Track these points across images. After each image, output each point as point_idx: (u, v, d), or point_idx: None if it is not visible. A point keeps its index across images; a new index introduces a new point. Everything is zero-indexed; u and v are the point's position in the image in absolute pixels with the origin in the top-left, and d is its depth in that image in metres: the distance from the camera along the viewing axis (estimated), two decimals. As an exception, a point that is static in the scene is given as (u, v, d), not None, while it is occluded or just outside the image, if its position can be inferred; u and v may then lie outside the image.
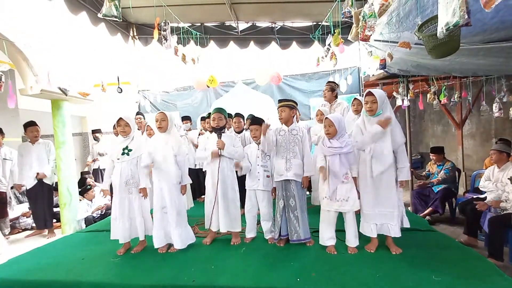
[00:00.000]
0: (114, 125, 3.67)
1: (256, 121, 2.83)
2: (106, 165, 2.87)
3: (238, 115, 3.91)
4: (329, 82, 3.97)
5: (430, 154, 4.65)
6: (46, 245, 3.06)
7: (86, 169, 6.44)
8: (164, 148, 2.63)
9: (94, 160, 6.31)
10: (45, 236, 4.43)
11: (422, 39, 2.12)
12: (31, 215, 4.64)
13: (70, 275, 2.25)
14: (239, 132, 3.81)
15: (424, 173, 4.77)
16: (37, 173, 4.31)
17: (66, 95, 4.24)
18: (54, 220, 4.87)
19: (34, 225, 4.68)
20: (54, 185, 4.62)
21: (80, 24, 4.43)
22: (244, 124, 3.98)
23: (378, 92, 2.36)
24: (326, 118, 2.44)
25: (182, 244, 2.62)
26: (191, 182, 2.83)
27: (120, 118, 2.66)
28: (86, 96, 4.65)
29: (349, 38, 3.15)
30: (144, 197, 2.65)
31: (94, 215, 4.60)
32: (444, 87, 5.45)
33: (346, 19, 2.78)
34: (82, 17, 4.07)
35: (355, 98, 3.31)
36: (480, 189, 3.75)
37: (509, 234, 2.83)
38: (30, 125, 4.35)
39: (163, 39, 4.02)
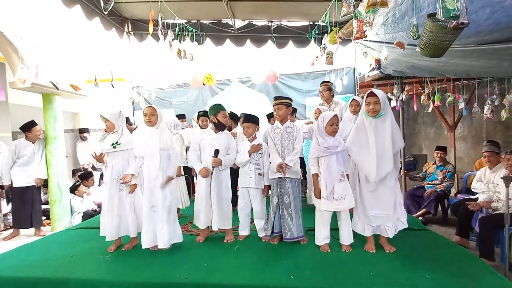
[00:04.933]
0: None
1: (249, 119, 2.81)
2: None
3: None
4: (324, 81, 3.94)
5: (436, 151, 4.59)
6: (34, 242, 2.99)
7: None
8: (151, 143, 2.57)
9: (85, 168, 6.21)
10: (29, 236, 4.28)
11: (426, 28, 2.10)
12: (12, 214, 4.41)
13: (58, 272, 2.19)
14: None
15: (420, 174, 4.78)
16: (36, 180, 4.28)
17: (58, 89, 4.16)
18: (44, 217, 4.79)
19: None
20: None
21: (74, 17, 4.35)
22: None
23: (380, 92, 2.29)
24: (335, 115, 2.42)
25: (168, 242, 2.53)
26: (174, 176, 2.68)
27: (100, 115, 2.62)
28: (78, 90, 4.57)
29: (341, 32, 3.12)
30: (129, 187, 2.58)
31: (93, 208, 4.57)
32: (438, 89, 5.51)
33: (348, 14, 2.75)
34: (76, 10, 4.00)
35: (353, 99, 3.30)
36: (472, 190, 3.78)
37: (500, 234, 2.86)
38: (34, 125, 4.27)
39: (159, 33, 3.96)
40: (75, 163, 6.74)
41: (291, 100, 2.74)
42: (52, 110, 4.39)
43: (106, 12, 2.76)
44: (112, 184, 2.59)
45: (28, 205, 4.25)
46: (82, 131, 6.38)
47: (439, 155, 4.52)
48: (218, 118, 2.76)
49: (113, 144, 2.59)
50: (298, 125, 2.74)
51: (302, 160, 3.66)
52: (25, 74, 3.73)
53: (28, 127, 4.25)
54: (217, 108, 2.81)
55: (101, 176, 5.82)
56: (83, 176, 4.76)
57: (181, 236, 2.66)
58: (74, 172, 5.79)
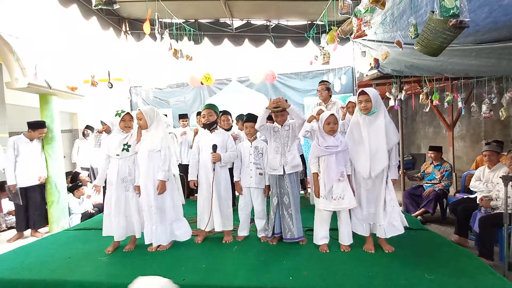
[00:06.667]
0: (102, 122, 3.62)
1: (251, 119, 2.79)
2: (100, 161, 2.77)
3: (225, 112, 3.87)
4: (323, 81, 3.94)
5: (429, 152, 4.63)
6: (31, 244, 2.96)
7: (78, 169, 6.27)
8: (142, 145, 2.56)
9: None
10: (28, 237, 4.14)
11: (428, 23, 2.08)
12: (15, 215, 4.29)
13: (55, 274, 2.18)
14: (227, 130, 3.77)
15: (419, 174, 4.78)
16: (40, 178, 4.20)
17: (51, 88, 4.12)
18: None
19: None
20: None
21: (71, 17, 4.32)
22: (232, 121, 3.98)
23: (371, 90, 2.35)
24: (332, 114, 2.42)
25: (166, 240, 2.54)
26: (164, 179, 2.55)
27: (127, 113, 2.62)
28: (74, 90, 4.54)
29: (340, 28, 3.12)
30: (139, 195, 2.59)
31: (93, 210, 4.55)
32: (436, 88, 5.51)
33: (345, 15, 2.75)
34: (73, 10, 3.97)
35: (349, 101, 3.30)
36: (471, 189, 3.79)
37: (499, 234, 2.86)
38: (42, 127, 4.19)
39: (156, 32, 3.94)
40: (71, 164, 6.70)
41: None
42: (49, 111, 4.36)
43: (94, 6, 2.71)
44: (118, 185, 2.57)
45: (29, 206, 4.16)
46: (88, 127, 6.34)
47: (431, 155, 4.56)
48: (201, 120, 2.81)
49: (124, 147, 2.58)
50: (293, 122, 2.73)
51: (302, 158, 3.67)
52: (22, 74, 3.70)
53: (36, 126, 4.16)
54: (202, 109, 2.85)
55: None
56: (72, 188, 4.68)
57: (182, 236, 2.64)
58: (66, 175, 5.74)
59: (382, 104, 2.38)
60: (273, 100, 2.56)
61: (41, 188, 4.34)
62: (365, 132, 2.33)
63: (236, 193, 2.86)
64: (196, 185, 2.80)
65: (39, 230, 4.33)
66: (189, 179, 2.81)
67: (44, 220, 4.37)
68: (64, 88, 4.40)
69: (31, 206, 4.19)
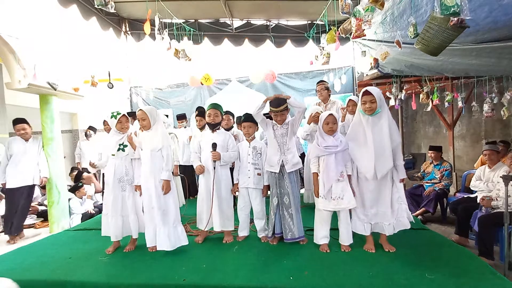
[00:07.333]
0: (104, 122, 3.61)
1: (249, 119, 2.79)
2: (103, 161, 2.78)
3: (227, 112, 3.87)
4: (321, 81, 3.93)
5: (429, 151, 4.64)
6: (31, 244, 2.96)
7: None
8: (149, 146, 2.54)
9: (78, 165, 6.18)
10: (10, 241, 4.00)
11: (431, 21, 2.08)
12: (4, 218, 4.13)
13: (55, 274, 2.18)
14: (227, 130, 3.77)
15: (419, 173, 4.78)
16: (42, 179, 4.16)
17: (55, 90, 4.12)
18: (42, 219, 4.77)
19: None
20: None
21: (70, 17, 4.32)
22: (234, 122, 3.98)
23: (375, 90, 2.29)
24: (330, 114, 2.41)
25: (168, 246, 2.45)
26: (169, 179, 2.53)
27: (123, 115, 2.62)
28: (77, 91, 4.54)
29: (342, 27, 3.12)
30: (140, 194, 2.59)
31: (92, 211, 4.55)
32: (436, 88, 5.51)
33: (346, 14, 2.75)
34: (72, 10, 3.97)
35: (349, 99, 3.28)
36: (471, 188, 3.79)
37: (499, 233, 2.86)
38: (17, 123, 4.06)
39: (156, 33, 3.95)
40: (73, 164, 6.72)
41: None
42: (49, 111, 4.36)
43: (96, 5, 2.71)
44: (114, 185, 2.58)
45: (11, 209, 4.01)
46: (91, 128, 6.36)
47: (431, 155, 4.57)
48: (206, 119, 2.81)
49: (120, 147, 2.58)
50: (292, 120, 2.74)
51: (303, 156, 3.67)
52: (22, 74, 3.70)
53: (14, 123, 4.07)
54: (207, 109, 2.84)
55: (102, 176, 5.81)
56: (74, 188, 4.67)
57: (185, 239, 2.58)
58: (72, 169, 5.77)
59: (385, 103, 2.33)
60: (275, 95, 2.61)
61: (29, 192, 4.20)
62: (369, 133, 2.28)
63: (236, 193, 2.85)
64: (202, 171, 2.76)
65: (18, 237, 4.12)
66: (194, 166, 2.77)
67: (19, 228, 4.14)
68: (68, 89, 4.39)
69: (13, 210, 4.02)
